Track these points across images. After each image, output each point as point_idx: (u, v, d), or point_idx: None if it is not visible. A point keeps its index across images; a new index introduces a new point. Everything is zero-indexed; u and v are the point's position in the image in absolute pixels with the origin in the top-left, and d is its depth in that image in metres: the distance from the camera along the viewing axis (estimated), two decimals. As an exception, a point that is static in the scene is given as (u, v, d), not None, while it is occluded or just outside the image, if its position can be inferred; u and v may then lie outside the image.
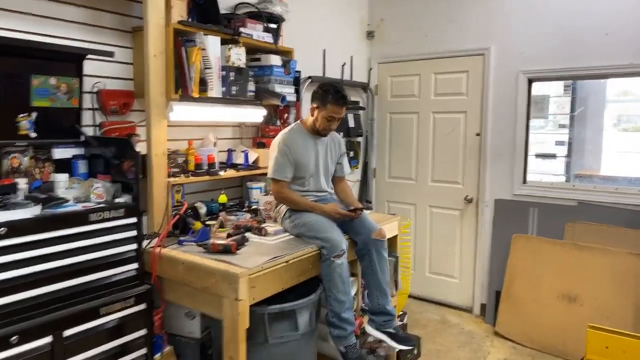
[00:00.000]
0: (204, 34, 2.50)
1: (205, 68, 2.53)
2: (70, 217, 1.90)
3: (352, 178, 4.41)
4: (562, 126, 6.10)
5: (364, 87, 4.38)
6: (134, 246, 2.13)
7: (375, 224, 2.59)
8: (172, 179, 2.50)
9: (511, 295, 3.68)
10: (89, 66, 2.33)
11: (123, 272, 2.10)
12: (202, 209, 2.56)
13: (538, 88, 3.91)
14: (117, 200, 2.14)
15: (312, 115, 2.60)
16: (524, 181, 3.84)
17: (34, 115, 2.09)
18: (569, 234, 3.58)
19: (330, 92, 2.49)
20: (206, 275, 2.05)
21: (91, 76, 2.36)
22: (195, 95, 2.47)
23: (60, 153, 2.24)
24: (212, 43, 2.53)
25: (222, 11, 2.82)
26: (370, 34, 4.44)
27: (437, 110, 4.19)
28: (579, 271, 3.40)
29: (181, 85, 2.43)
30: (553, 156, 6.15)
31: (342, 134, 4.12)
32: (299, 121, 2.69)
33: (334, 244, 2.31)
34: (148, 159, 2.40)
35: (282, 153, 2.52)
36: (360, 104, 4.45)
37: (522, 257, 3.69)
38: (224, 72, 2.60)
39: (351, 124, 4.28)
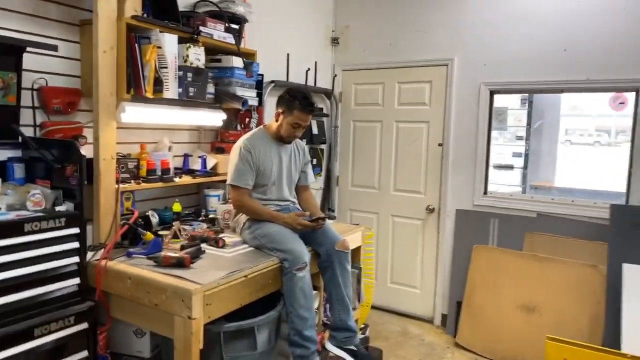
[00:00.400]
0: (160, 31, 2.34)
1: (161, 67, 2.36)
2: (1, 228, 1.69)
3: (314, 186, 4.31)
4: (519, 138, 6.26)
5: (328, 93, 4.31)
6: (75, 259, 1.94)
7: (339, 235, 2.50)
8: (121, 186, 2.32)
9: (472, 306, 3.67)
10: (30, 61, 2.13)
11: (63, 288, 1.91)
12: (154, 218, 2.38)
13: (498, 100, 3.95)
14: (57, 208, 1.95)
15: (276, 121, 2.48)
16: (485, 192, 3.86)
17: (-39, 112, 1.87)
18: (528, 244, 3.61)
19: (298, 98, 2.39)
20: (156, 291, 1.88)
21: (32, 71, 2.16)
22: (150, 95, 2.31)
23: (-5, 155, 2.02)
24: (168, 41, 2.37)
25: (181, 9, 2.67)
26: (335, 41, 4.38)
27: (401, 119, 4.17)
28: (538, 282, 3.42)
29: (134, 84, 2.26)
30: (510, 167, 6.30)
31: (305, 140, 4.02)
32: (262, 126, 2.56)
33: (295, 256, 2.19)
34: (95, 164, 2.21)
35: (243, 159, 2.39)
36: (324, 111, 4.37)
37: (482, 267, 3.69)
38: (181, 73, 2.44)
39: (315, 130, 4.18)
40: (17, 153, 2.08)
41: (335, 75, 4.32)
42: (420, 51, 3.99)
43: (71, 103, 2.27)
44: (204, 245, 2.35)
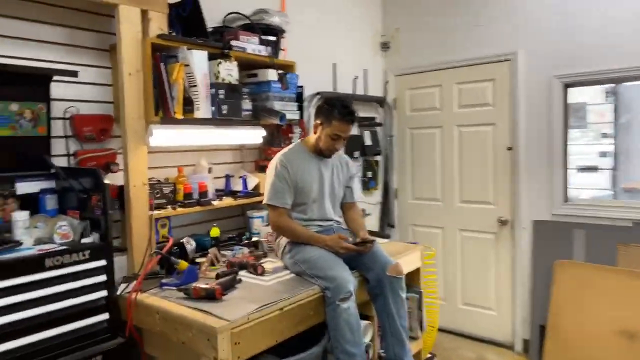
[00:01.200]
0: (188, 49, 2.23)
1: (190, 86, 2.25)
2: (19, 264, 1.61)
3: (371, 200, 4.05)
4: (604, 135, 5.57)
5: (380, 101, 4.04)
6: (102, 293, 1.83)
7: (390, 258, 2.22)
8: (156, 212, 2.21)
9: (558, 330, 3.19)
10: (61, 89, 2.10)
11: (91, 325, 1.80)
12: (190, 245, 2.25)
13: (573, 95, 3.47)
14: (84, 240, 1.86)
15: (315, 133, 2.28)
16: (565, 199, 3.38)
17: (-8, 146, 1.85)
18: (623, 258, 3.08)
19: (336, 107, 2.17)
20: (183, 328, 1.72)
21: (63, 100, 2.12)
22: (179, 116, 2.19)
23: (26, 187, 1.97)
24: (197, 58, 2.26)
25: (214, 24, 2.57)
26: (385, 45, 4.12)
27: (462, 123, 3.80)
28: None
29: (162, 106, 2.16)
30: (595, 169, 5.60)
31: (357, 153, 3.79)
32: (300, 140, 2.37)
33: (339, 284, 1.94)
34: (125, 191, 2.12)
35: (279, 176, 2.20)
36: (377, 120, 4.11)
37: (568, 286, 3.20)
38: (213, 90, 2.32)
39: (367, 141, 3.94)
40: (49, 184, 2.03)
41: (387, 81, 4.04)
42: (479, 47, 3.62)
43: (103, 130, 2.21)
44: (242, 273, 2.18)
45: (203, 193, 2.41)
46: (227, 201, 2.54)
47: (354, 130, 3.79)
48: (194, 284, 1.90)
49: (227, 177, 2.72)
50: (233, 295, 1.91)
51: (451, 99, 3.84)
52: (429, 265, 2.85)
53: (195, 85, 2.25)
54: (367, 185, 3.96)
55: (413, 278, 2.68)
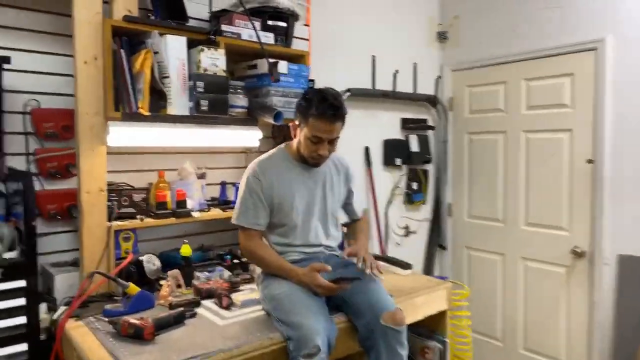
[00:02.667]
0: (160, 33, 1.90)
1: (162, 77, 1.91)
2: None
3: (417, 216, 3.48)
4: None
5: (432, 101, 3.44)
6: (20, 320, 1.54)
7: (389, 301, 1.70)
8: (116, 223, 1.91)
9: (646, 405, 2.41)
10: (19, 80, 1.87)
11: (6, 357, 1.52)
12: (153, 265, 1.90)
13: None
14: (5, 255, 1.58)
15: (294, 137, 1.83)
16: (667, 230, 2.56)
17: None
18: None
19: (313, 102, 1.70)
20: (91, 376, 1.37)
21: (22, 92, 1.89)
22: (144, 112, 1.87)
23: (-31, 189, 1.77)
24: (172, 45, 1.92)
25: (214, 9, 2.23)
26: (441, 36, 3.52)
27: (531, 127, 3.09)
28: None
29: (123, 100, 1.84)
30: None
31: (400, 160, 3.25)
32: (283, 145, 1.92)
33: (303, 335, 1.47)
34: (78, 198, 1.83)
35: (250, 190, 1.78)
36: (429, 123, 3.52)
37: (663, 347, 2.41)
38: (191, 83, 1.96)
39: (414, 147, 3.37)
40: (-5, 187, 1.82)
41: (439, 77, 3.43)
42: (554, 35, 2.91)
43: (67, 127, 1.95)
44: (206, 304, 1.80)
45: (181, 202, 2.07)
46: (212, 213, 2.18)
47: (396, 133, 3.27)
48: (123, 318, 1.55)
49: (223, 185, 2.36)
50: (170, 336, 1.53)
51: (518, 99, 3.15)
52: (460, 307, 2.25)
53: (166, 77, 1.91)
54: (411, 198, 3.39)
55: (438, 323, 2.11)
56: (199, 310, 1.76)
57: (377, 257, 2.38)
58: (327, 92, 1.74)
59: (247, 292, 1.92)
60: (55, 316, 1.68)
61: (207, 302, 1.83)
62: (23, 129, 1.91)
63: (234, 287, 1.95)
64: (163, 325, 1.55)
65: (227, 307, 1.77)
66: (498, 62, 3.23)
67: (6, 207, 1.80)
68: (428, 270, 3.55)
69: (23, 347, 1.54)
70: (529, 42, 3.03)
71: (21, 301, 1.54)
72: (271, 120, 2.10)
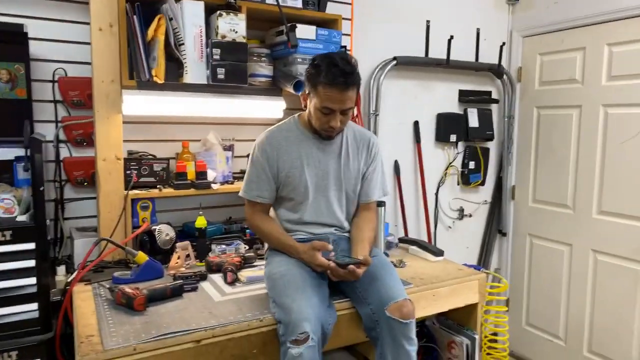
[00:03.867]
0: (176, -1, 1.84)
1: (179, 44, 1.86)
2: None
3: (474, 198, 3.19)
4: None
5: (497, 71, 3.08)
6: (30, 280, 1.60)
7: (399, 289, 1.54)
8: (135, 192, 1.92)
9: None
10: (44, 49, 1.92)
11: (20, 313, 1.60)
12: (167, 235, 1.89)
13: None
14: (19, 218, 1.64)
15: (304, 108, 1.69)
16: None
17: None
18: None
19: (322, 68, 1.54)
20: (79, 342, 1.38)
21: (49, 61, 1.95)
22: (159, 80, 1.83)
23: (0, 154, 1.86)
24: (188, 10, 1.85)
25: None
26: (512, -4, 3.12)
27: (612, 102, 2.66)
28: None
29: (137, 68, 1.81)
30: None
31: (455, 136, 2.98)
32: (297, 115, 1.79)
33: (293, 320, 1.36)
34: (95, 166, 1.86)
35: (256, 163, 1.68)
36: (493, 95, 3.17)
37: None
38: (209, 50, 1.89)
39: (473, 123, 3.07)
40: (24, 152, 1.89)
41: (504, 44, 3.04)
42: (646, -12, 2.43)
43: (92, 95, 1.97)
44: (213, 277, 1.77)
45: (201, 173, 2.03)
46: (233, 186, 2.12)
47: (453, 106, 2.99)
48: (120, 286, 1.55)
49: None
50: (162, 309, 1.51)
51: (599, 67, 2.71)
52: (496, 301, 2.00)
53: (183, 44, 1.85)
54: (467, 178, 3.10)
55: (468, 317, 1.91)
56: (203, 284, 1.73)
57: (408, 241, 2.22)
58: (337, 56, 1.57)
59: (257, 269, 1.85)
60: (69, 279, 1.73)
61: (215, 276, 1.79)
62: (52, 97, 1.96)
63: (246, 262, 1.89)
64: (156, 297, 1.53)
65: (232, 283, 1.72)
66: (577, 25, 2.79)
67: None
68: (485, 257, 3.26)
69: (33, 306, 1.61)
70: (614, 0, 2.57)
71: (31, 262, 1.59)
72: (291, 90, 1.98)
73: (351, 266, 1.47)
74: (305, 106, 1.67)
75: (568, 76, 2.87)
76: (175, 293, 1.58)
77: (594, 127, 2.75)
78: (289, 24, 1.91)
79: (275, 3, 2.03)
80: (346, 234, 1.75)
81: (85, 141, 2.00)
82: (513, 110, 3.16)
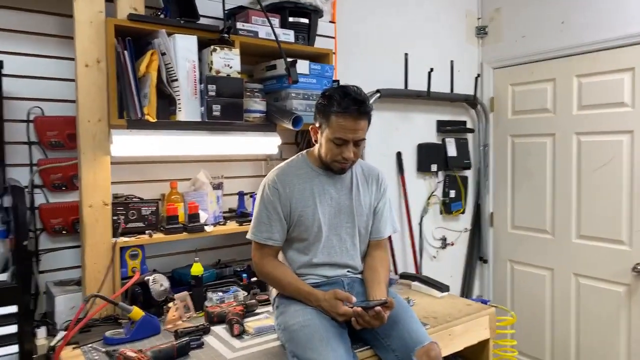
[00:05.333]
0: (168, 33, 1.74)
1: (171, 80, 1.76)
2: None
3: (455, 227, 3.21)
4: None
5: (471, 101, 3.17)
6: (12, 349, 1.41)
7: (423, 332, 1.47)
8: (122, 239, 1.76)
9: None
10: (20, 86, 1.76)
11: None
12: (160, 285, 1.74)
13: None
14: (2, 274, 1.45)
15: (315, 142, 1.62)
16: None
17: None
18: None
19: (335, 98, 1.50)
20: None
21: (24, 99, 1.78)
22: (151, 119, 1.71)
23: (-33, 204, 1.66)
24: (181, 45, 1.76)
25: (229, 6, 2.06)
26: (481, 30, 3.24)
27: (584, 129, 2.78)
28: None
29: (127, 106, 1.69)
30: None
31: (435, 166, 3.00)
32: (304, 152, 1.72)
33: (318, 375, 1.26)
34: (80, 213, 1.70)
35: (266, 202, 1.59)
36: (468, 125, 3.24)
37: None
38: (203, 86, 1.80)
39: (452, 152, 3.11)
40: (-4, 200, 1.70)
41: (478, 75, 3.15)
42: (610, 25, 2.59)
43: (72, 135, 1.82)
44: (217, 330, 1.63)
45: (193, 215, 1.90)
46: (227, 227, 2.01)
47: (432, 137, 3.02)
48: (120, 350, 1.38)
49: (240, 195, 2.19)
50: (170, 371, 1.36)
51: (569, 97, 2.83)
52: (505, 335, 1.98)
53: (176, 80, 1.75)
54: (449, 207, 3.12)
55: (478, 355, 1.86)
56: (207, 338, 1.58)
57: (410, 277, 2.17)
58: (349, 87, 1.54)
59: (263, 318, 1.73)
60: (53, 342, 1.54)
61: (217, 328, 1.65)
62: (27, 138, 1.79)
63: (248, 310, 1.77)
64: (162, 359, 1.38)
65: (239, 335, 1.59)
66: (545, 58, 2.92)
67: (7, 223, 1.68)
68: (467, 285, 3.27)
69: (14, 379, 1.41)
70: (581, 35, 2.72)
71: (12, 328, 1.40)
72: (289, 126, 1.91)
73: (377, 308, 1.39)
74: (316, 140, 1.60)
75: (540, 106, 2.99)
76: (182, 352, 1.43)
77: (568, 154, 2.85)
78: (289, 59, 1.85)
79: (268, 37, 1.98)
80: (359, 276, 1.67)
81: (65, 185, 1.83)
82: (488, 138, 3.25)
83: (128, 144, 1.70)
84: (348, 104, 1.47)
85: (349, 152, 1.53)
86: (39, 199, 1.82)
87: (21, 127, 1.78)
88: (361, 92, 1.54)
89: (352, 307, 1.41)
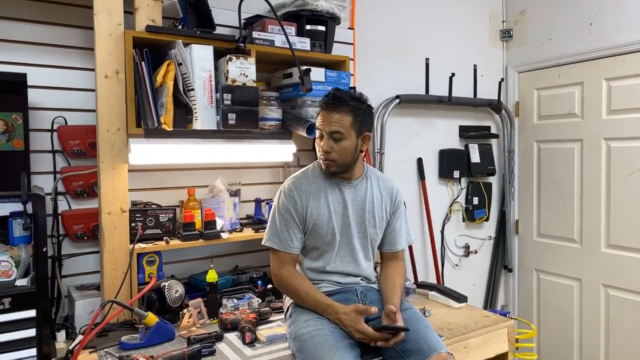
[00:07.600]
0: (184, 43, 1.77)
1: (188, 90, 1.79)
2: None
3: (479, 234, 3.14)
4: None
5: (495, 106, 3.10)
6: (30, 352, 1.45)
7: (440, 344, 1.44)
8: (139, 246, 1.80)
9: None
10: (45, 97, 1.82)
11: (16, 390, 1.44)
12: (175, 291, 1.76)
13: None
14: (18, 282, 1.51)
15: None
16: None
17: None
18: None
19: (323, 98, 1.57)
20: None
21: (49, 109, 1.84)
22: (168, 128, 1.75)
23: (-6, 210, 1.73)
24: (197, 55, 1.79)
25: (246, 15, 2.08)
26: (506, 34, 3.17)
27: (613, 135, 2.68)
28: None
29: (144, 115, 1.73)
30: None
31: (457, 172, 2.94)
32: (318, 160, 1.72)
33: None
34: (99, 220, 1.74)
35: (283, 210, 1.59)
36: (492, 130, 3.18)
37: None
38: (219, 95, 1.82)
39: (475, 158, 3.05)
40: (21, 207, 1.76)
41: (502, 80, 3.08)
42: (642, 25, 2.49)
43: (94, 144, 1.87)
44: (230, 337, 1.64)
45: (209, 222, 1.93)
46: (244, 234, 2.02)
47: (454, 142, 2.98)
48: (133, 355, 1.41)
49: (257, 202, 2.20)
50: (180, 378, 1.37)
51: (598, 102, 2.74)
52: (525, 349, 1.92)
53: (192, 89, 1.78)
54: (472, 214, 3.06)
55: (497, 367, 1.81)
56: (219, 345, 1.60)
57: (427, 286, 2.14)
58: (339, 89, 1.58)
59: (275, 326, 1.73)
60: (71, 346, 1.58)
61: (230, 335, 1.67)
62: (51, 147, 1.85)
63: (262, 318, 1.77)
64: (175, 365, 1.40)
65: (251, 343, 1.60)
66: (573, 61, 2.84)
67: (30, 229, 1.74)
68: (492, 294, 3.19)
69: (33, 381, 1.45)
70: (610, 36, 2.63)
71: (31, 332, 1.45)
72: (304, 133, 1.92)
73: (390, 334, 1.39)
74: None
75: (567, 110, 2.90)
76: (199, 356, 1.45)
77: (597, 160, 2.75)
78: (303, 68, 1.86)
79: (284, 46, 1.99)
80: (373, 285, 1.66)
81: (86, 192, 1.88)
82: (513, 144, 3.17)
83: (145, 152, 1.74)
84: (325, 100, 1.55)
85: (325, 145, 1.55)
86: (62, 205, 1.88)
87: (46, 136, 1.85)
88: (351, 92, 1.62)
89: (374, 328, 1.41)
